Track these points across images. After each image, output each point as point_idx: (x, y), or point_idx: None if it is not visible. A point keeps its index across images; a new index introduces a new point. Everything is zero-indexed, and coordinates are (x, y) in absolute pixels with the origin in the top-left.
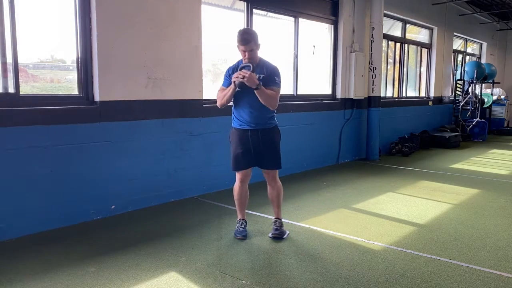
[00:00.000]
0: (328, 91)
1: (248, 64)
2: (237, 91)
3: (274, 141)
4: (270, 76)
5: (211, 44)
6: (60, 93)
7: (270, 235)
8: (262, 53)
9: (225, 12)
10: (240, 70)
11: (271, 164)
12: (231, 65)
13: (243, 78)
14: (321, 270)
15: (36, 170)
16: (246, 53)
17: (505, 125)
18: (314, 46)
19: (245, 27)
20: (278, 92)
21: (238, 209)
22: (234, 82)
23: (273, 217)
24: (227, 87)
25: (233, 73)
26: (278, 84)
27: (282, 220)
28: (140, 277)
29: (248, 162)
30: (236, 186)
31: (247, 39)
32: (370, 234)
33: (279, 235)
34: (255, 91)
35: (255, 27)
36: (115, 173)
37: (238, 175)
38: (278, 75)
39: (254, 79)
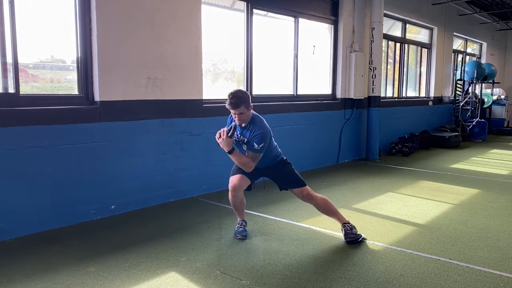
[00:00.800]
0: (328, 91)
1: (232, 125)
2: (231, 151)
3: (284, 167)
4: (251, 142)
5: (211, 44)
6: (60, 93)
7: (344, 240)
8: (262, 53)
9: (225, 12)
10: (229, 127)
11: (293, 184)
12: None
13: (218, 139)
14: (321, 270)
15: (36, 170)
16: (236, 116)
17: (505, 125)
18: (314, 46)
19: (236, 89)
20: (255, 158)
21: (236, 214)
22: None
23: (340, 225)
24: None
25: (230, 121)
26: (256, 150)
27: (278, 219)
28: (140, 277)
29: (244, 172)
30: (229, 195)
31: (236, 103)
32: (370, 234)
33: (352, 238)
34: (228, 154)
35: (255, 27)
36: (115, 173)
37: (229, 184)
38: (261, 142)
39: (226, 144)
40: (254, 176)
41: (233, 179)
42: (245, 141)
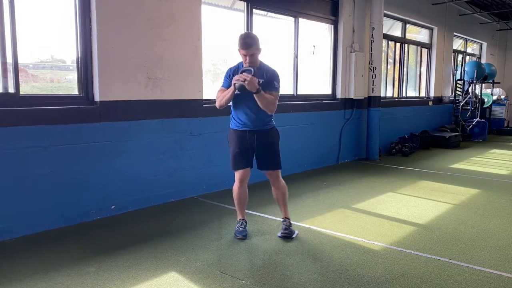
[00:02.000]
0: (328, 91)
1: (249, 68)
2: (236, 93)
3: (273, 142)
4: (269, 81)
5: (211, 44)
6: (60, 93)
7: (279, 234)
8: (263, 53)
9: (225, 12)
10: (241, 73)
11: (271, 165)
12: (231, 66)
13: (244, 82)
14: (321, 270)
15: (36, 170)
16: (247, 57)
17: (505, 125)
18: (314, 46)
19: (247, 31)
20: (277, 97)
21: (238, 209)
22: (235, 84)
23: (281, 218)
24: (227, 88)
25: (233, 74)
26: (277, 89)
27: (277, 219)
28: (140, 277)
29: (247, 162)
30: (236, 186)
31: (249, 43)
32: (370, 234)
33: (288, 234)
34: (254, 95)
35: (255, 27)
36: (115, 173)
37: (237, 175)
38: (278, 80)
39: (255, 83)
40: (250, 155)
41: (240, 171)
42: (260, 82)
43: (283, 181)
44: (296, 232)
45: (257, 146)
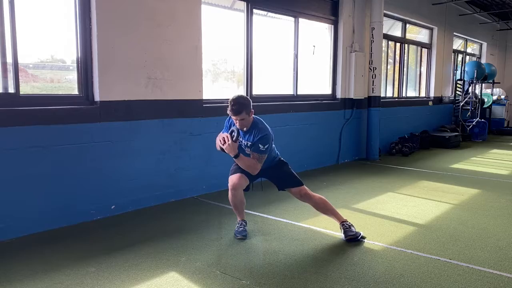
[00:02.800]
0: (328, 91)
1: (233, 129)
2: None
3: (281, 167)
4: (255, 144)
5: (211, 44)
6: (60, 93)
7: (344, 239)
8: (262, 53)
9: (225, 12)
10: (230, 131)
11: (291, 183)
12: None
13: (223, 144)
14: (321, 270)
15: (36, 170)
16: (238, 122)
17: (505, 125)
18: (314, 46)
19: (238, 94)
20: (260, 159)
21: (236, 213)
22: (217, 145)
23: (338, 223)
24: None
25: (229, 124)
26: (261, 152)
27: (278, 219)
28: (140, 277)
29: (242, 171)
30: (229, 194)
31: (237, 110)
32: (370, 234)
33: (352, 236)
34: (233, 159)
35: (255, 27)
36: (115, 173)
37: (229, 182)
38: (265, 143)
39: (232, 149)
40: (253, 177)
41: (233, 178)
42: (248, 144)
43: (316, 194)
44: (361, 233)
45: (266, 175)
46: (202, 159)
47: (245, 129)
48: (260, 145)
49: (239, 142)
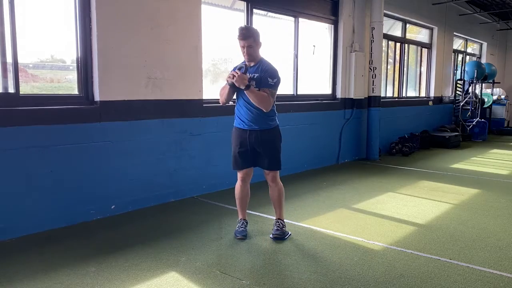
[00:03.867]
0: (328, 91)
1: (242, 65)
2: (239, 90)
3: (274, 142)
4: (263, 77)
5: (211, 44)
6: (60, 93)
7: (271, 235)
8: (262, 53)
9: (225, 12)
10: (238, 67)
11: (270, 165)
12: (236, 64)
13: (233, 78)
14: (321, 270)
15: (36, 170)
16: (245, 49)
17: (505, 125)
18: (314, 46)
19: (247, 24)
20: (271, 94)
21: (239, 209)
22: (227, 81)
23: (274, 218)
24: None
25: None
26: (271, 86)
27: (284, 220)
28: (140, 277)
29: (247, 162)
30: (238, 185)
31: (245, 34)
32: (370, 234)
33: (280, 236)
34: (245, 91)
35: (255, 27)
36: (115, 173)
37: (239, 174)
38: (273, 77)
39: (243, 79)
40: (251, 153)
41: (242, 171)
42: (255, 76)
43: (280, 182)
44: (289, 233)
45: (257, 145)
46: (202, 159)
47: (252, 64)
48: (269, 78)
49: (249, 75)
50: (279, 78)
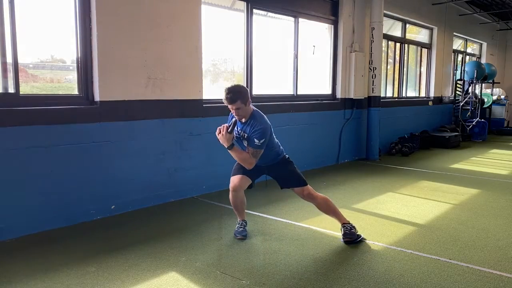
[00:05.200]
0: (328, 91)
1: (232, 122)
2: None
3: (286, 166)
4: (251, 137)
5: (211, 44)
6: (60, 93)
7: (342, 240)
8: (262, 53)
9: (225, 12)
10: (229, 123)
11: (294, 183)
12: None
13: (218, 134)
14: (321, 270)
15: (36, 170)
16: (234, 111)
17: (505, 125)
18: (314, 46)
19: (234, 84)
20: (255, 154)
21: (237, 213)
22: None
23: (340, 225)
24: None
25: (231, 118)
26: (256, 146)
27: (278, 219)
28: (140, 277)
29: (244, 172)
30: (230, 195)
31: (232, 98)
32: (370, 234)
33: (350, 238)
34: (228, 150)
35: (255, 27)
36: (115, 173)
37: (230, 184)
38: (261, 138)
39: (226, 140)
40: (255, 175)
41: (234, 179)
42: (245, 136)
43: (320, 194)
44: (361, 236)
45: (269, 173)
46: (202, 159)
47: (243, 120)
48: (255, 139)
49: (237, 134)
50: (268, 135)
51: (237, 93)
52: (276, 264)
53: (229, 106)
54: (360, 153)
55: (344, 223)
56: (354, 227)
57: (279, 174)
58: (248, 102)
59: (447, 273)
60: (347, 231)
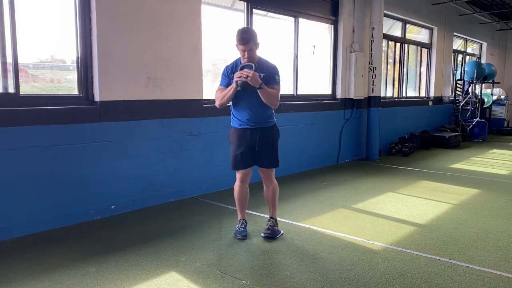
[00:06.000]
0: (328, 91)
1: (249, 64)
2: (238, 90)
3: (273, 140)
4: (270, 75)
5: (211, 44)
6: (60, 93)
7: (262, 234)
8: (262, 53)
9: (225, 12)
10: (241, 69)
11: (268, 163)
12: (228, 64)
13: (246, 78)
14: (321, 270)
15: (36, 170)
16: (246, 53)
17: (505, 125)
18: (314, 46)
19: (245, 26)
20: (279, 91)
21: (239, 209)
22: (237, 82)
23: (268, 216)
24: (226, 86)
25: (231, 72)
26: (278, 83)
27: (278, 219)
28: (140, 277)
29: (247, 162)
30: (236, 186)
31: (246, 38)
32: (370, 234)
33: (271, 235)
34: (258, 90)
35: (255, 27)
36: (115, 173)
37: (238, 175)
38: (278, 74)
39: (257, 78)
40: (251, 153)
41: (240, 171)
42: (262, 76)
43: (275, 181)
44: (281, 232)
45: (257, 144)
46: (202, 159)
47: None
48: (275, 76)
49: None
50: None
51: (251, 34)
52: (276, 264)
53: (241, 48)
54: (360, 153)
55: (272, 217)
56: (277, 224)
57: (263, 149)
58: (258, 45)
59: (447, 273)
60: (270, 226)
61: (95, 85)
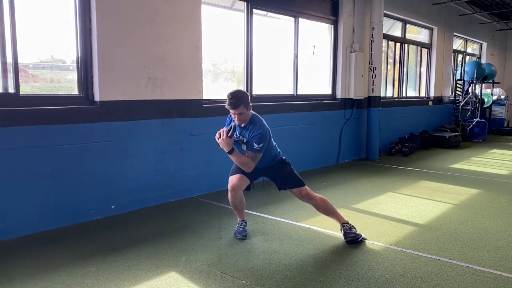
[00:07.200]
0: (328, 91)
1: (230, 126)
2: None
3: (283, 167)
4: (250, 142)
5: (211, 44)
6: (60, 93)
7: (343, 240)
8: (262, 53)
9: (225, 12)
10: (228, 127)
11: (292, 183)
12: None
13: (218, 139)
14: (321, 270)
15: (36, 170)
16: (236, 116)
17: (505, 125)
18: (314, 46)
19: (235, 89)
20: (255, 158)
21: (236, 213)
22: (216, 138)
23: (339, 225)
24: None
25: (229, 122)
26: (256, 150)
27: (278, 219)
28: (140, 277)
29: (242, 171)
30: (229, 195)
31: (235, 103)
32: (370, 234)
33: (352, 238)
34: (227, 154)
35: (255, 27)
36: (115, 173)
37: (229, 183)
38: (260, 142)
39: (226, 144)
40: (253, 176)
41: (232, 179)
42: (244, 141)
43: (317, 194)
44: (362, 235)
45: (267, 174)
46: (202, 159)
47: (242, 124)
48: (254, 143)
49: (236, 138)
50: (267, 139)
51: (240, 99)
52: (276, 264)
53: (232, 111)
54: (360, 153)
55: (343, 223)
56: (353, 226)
57: (276, 176)
58: (249, 107)
59: (447, 273)
60: (347, 231)
61: (95, 85)
